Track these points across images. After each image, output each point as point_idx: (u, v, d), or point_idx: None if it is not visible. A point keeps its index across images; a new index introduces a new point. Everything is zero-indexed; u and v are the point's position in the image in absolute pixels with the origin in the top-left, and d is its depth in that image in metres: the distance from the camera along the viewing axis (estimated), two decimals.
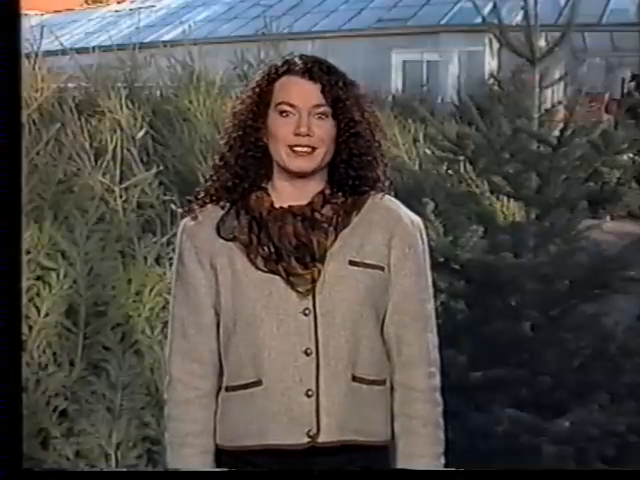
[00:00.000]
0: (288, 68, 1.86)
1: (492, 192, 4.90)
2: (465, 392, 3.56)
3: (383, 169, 1.91)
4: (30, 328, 3.42)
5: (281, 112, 1.84)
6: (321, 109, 1.83)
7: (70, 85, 6.63)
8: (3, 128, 1.66)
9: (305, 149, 1.83)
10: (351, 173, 1.87)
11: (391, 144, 7.02)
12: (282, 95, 1.84)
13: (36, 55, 5.65)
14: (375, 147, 1.89)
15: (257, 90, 1.87)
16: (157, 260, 3.86)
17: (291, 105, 1.83)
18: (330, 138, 1.84)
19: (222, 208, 1.89)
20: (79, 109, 5.58)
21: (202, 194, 1.92)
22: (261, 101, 1.87)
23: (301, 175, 1.86)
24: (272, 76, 1.87)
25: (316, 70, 1.84)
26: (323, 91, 1.83)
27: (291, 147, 1.83)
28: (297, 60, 1.87)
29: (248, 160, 1.88)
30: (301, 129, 1.82)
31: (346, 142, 1.86)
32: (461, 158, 4.36)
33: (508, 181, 4.06)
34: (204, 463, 1.87)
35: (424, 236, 1.94)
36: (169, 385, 1.91)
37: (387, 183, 1.91)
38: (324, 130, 1.83)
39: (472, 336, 3.82)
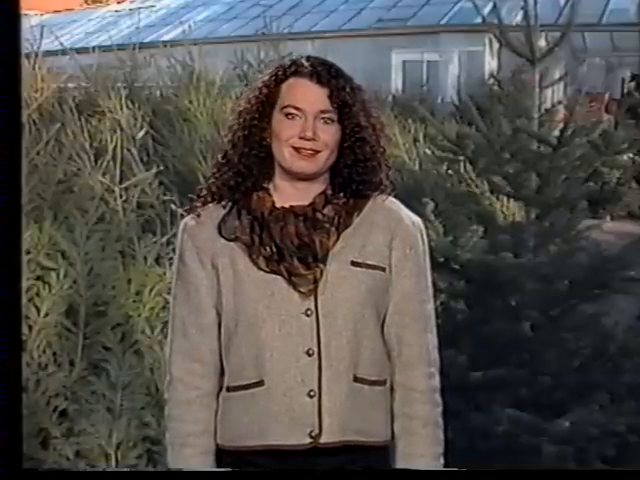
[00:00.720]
0: (296, 70, 1.85)
1: (492, 192, 4.89)
2: (465, 392, 3.56)
3: (386, 173, 1.91)
4: (30, 328, 3.42)
5: (287, 114, 1.83)
6: (327, 114, 1.83)
7: (70, 85, 6.62)
8: (3, 128, 1.66)
9: (309, 151, 1.82)
10: (355, 177, 1.88)
11: (391, 144, 7.02)
12: (289, 98, 1.84)
13: (36, 55, 5.64)
14: (380, 152, 1.89)
15: (264, 90, 1.87)
16: (157, 260, 3.86)
17: (297, 108, 1.82)
18: (335, 142, 1.84)
19: (223, 208, 1.89)
20: (79, 109, 5.58)
21: (204, 192, 1.92)
22: (267, 101, 1.86)
23: (303, 177, 1.86)
24: (280, 77, 1.86)
25: (324, 74, 1.84)
26: (330, 96, 1.83)
27: (295, 148, 1.83)
28: (305, 62, 1.86)
29: (251, 159, 1.88)
30: (307, 133, 1.81)
31: (351, 147, 1.86)
32: (461, 158, 4.36)
33: (508, 181, 4.06)
34: (205, 463, 1.87)
35: (425, 237, 1.94)
36: (170, 385, 1.91)
37: (389, 186, 1.92)
38: (329, 134, 1.83)
39: (472, 336, 3.82)
